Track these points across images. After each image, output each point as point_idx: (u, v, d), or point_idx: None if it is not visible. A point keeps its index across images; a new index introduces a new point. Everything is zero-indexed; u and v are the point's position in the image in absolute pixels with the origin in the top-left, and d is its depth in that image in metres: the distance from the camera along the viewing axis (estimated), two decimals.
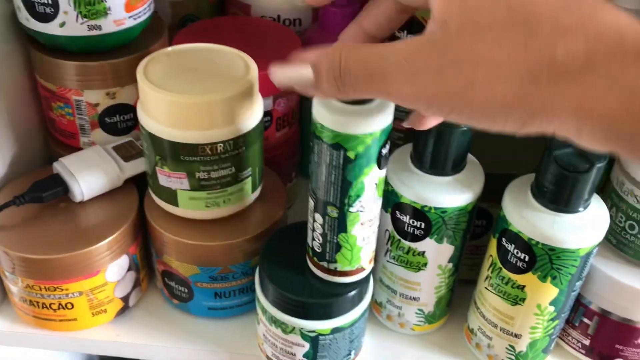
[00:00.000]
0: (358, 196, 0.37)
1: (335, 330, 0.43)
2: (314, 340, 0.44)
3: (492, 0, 0.26)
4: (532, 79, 0.25)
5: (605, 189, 0.48)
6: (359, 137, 0.34)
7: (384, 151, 0.36)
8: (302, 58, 0.30)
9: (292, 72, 0.31)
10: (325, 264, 0.42)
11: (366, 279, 0.44)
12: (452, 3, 0.26)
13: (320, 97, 0.34)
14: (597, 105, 0.24)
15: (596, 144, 0.25)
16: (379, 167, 0.37)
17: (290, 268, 0.44)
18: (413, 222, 0.44)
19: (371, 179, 0.37)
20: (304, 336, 0.44)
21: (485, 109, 0.26)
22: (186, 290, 0.50)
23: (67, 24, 0.46)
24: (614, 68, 0.24)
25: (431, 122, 0.37)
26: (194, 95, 0.41)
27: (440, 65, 0.26)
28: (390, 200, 0.45)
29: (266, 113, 0.54)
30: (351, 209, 0.38)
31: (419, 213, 0.44)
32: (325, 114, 0.34)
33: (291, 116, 0.57)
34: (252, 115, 0.45)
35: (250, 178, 0.47)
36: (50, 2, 0.45)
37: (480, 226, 0.51)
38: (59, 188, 0.48)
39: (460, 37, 0.26)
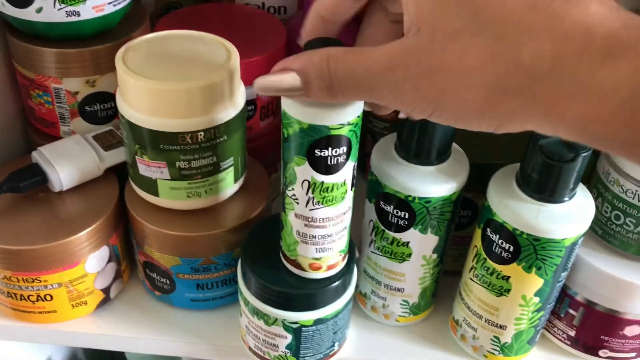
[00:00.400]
0: (291, 182, 0.36)
1: (318, 322, 0.43)
2: (297, 331, 0.43)
3: (460, 4, 0.25)
4: (500, 85, 0.25)
5: (591, 179, 0.47)
6: (290, 118, 0.34)
7: (319, 153, 0.34)
8: (286, 66, 0.30)
9: (278, 81, 0.31)
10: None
11: (349, 270, 0.43)
12: (423, 9, 0.27)
13: (309, 100, 0.32)
14: (566, 109, 0.24)
15: (576, 141, 0.26)
16: (313, 166, 0.35)
17: (272, 259, 0.43)
18: (397, 212, 0.44)
19: (303, 173, 0.35)
20: (286, 328, 0.43)
21: (459, 114, 0.27)
22: (168, 282, 0.49)
23: (45, 9, 0.45)
24: (581, 70, 0.23)
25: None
26: (173, 82, 0.40)
27: (415, 75, 0.27)
28: (374, 190, 0.45)
29: (250, 102, 0.53)
30: (287, 192, 0.37)
31: (403, 203, 0.43)
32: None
33: (275, 105, 0.56)
34: (234, 103, 0.44)
35: (232, 168, 0.46)
36: None
37: (465, 217, 0.51)
38: (37, 178, 0.47)
39: (431, 44, 0.26)
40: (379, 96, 0.29)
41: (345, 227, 0.39)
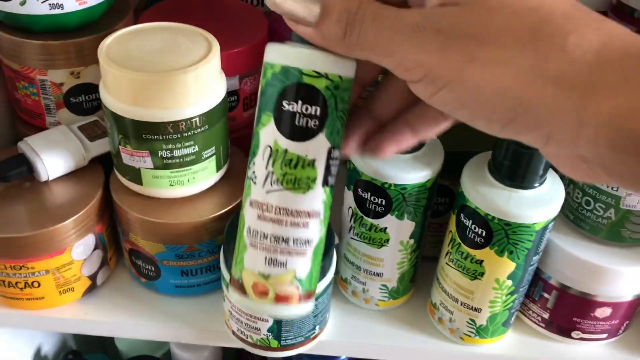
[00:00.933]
0: (254, 154, 0.31)
1: None
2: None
3: None
4: (537, 67, 0.24)
5: None
6: (266, 64, 0.30)
7: (287, 106, 0.29)
8: None
9: (297, 2, 0.28)
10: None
11: (328, 254, 0.44)
12: None
13: (312, 39, 0.29)
14: (604, 102, 0.23)
15: (597, 150, 0.24)
16: (277, 124, 0.29)
17: None
18: (374, 199, 0.45)
19: (266, 136, 0.30)
20: None
21: (477, 91, 0.25)
22: (153, 269, 0.50)
23: (28, 2, 0.46)
24: (627, 65, 0.23)
25: (392, 147, 0.33)
26: (154, 73, 0.42)
27: (447, 36, 0.25)
28: (352, 178, 0.46)
29: (232, 93, 0.54)
30: (248, 172, 0.32)
31: (380, 190, 0.44)
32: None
33: (257, 98, 0.57)
34: (215, 93, 0.45)
35: (214, 157, 0.47)
36: None
37: (443, 204, 0.52)
38: (23, 167, 0.48)
39: (470, 13, 0.25)
40: (395, 51, 0.26)
41: (307, 242, 0.31)
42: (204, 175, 0.48)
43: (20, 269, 0.47)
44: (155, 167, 0.46)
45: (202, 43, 0.45)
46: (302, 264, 0.31)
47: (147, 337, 0.52)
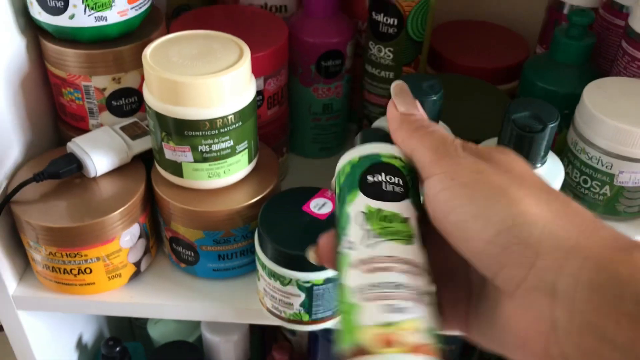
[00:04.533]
0: (343, 230, 0.31)
1: (328, 281, 0.49)
2: (309, 290, 0.49)
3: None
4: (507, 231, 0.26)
5: (563, 149, 0.54)
6: (342, 167, 0.33)
7: (372, 179, 0.31)
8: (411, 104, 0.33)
9: (403, 98, 0.33)
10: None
11: None
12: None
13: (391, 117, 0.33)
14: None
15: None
16: (366, 193, 0.30)
17: (285, 228, 0.49)
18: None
19: (356, 207, 0.30)
20: (300, 287, 0.49)
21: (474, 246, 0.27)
22: (192, 254, 0.55)
23: (76, 16, 0.51)
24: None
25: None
26: (195, 76, 0.47)
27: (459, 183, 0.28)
28: None
29: (258, 92, 0.59)
30: (340, 249, 0.31)
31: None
32: None
33: (281, 95, 0.62)
34: (246, 93, 0.50)
35: (246, 150, 0.52)
36: None
37: None
38: (73, 165, 0.53)
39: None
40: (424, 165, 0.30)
41: (425, 292, 0.28)
42: (238, 167, 0.53)
43: (75, 256, 0.52)
44: (195, 161, 0.51)
45: (234, 49, 0.50)
46: (424, 313, 0.27)
47: (188, 318, 0.57)
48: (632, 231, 0.52)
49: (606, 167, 0.49)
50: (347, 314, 0.28)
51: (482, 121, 0.55)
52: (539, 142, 0.45)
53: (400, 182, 0.30)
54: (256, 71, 0.56)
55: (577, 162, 0.51)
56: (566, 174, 0.51)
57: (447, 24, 0.75)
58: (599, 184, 0.50)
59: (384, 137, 0.33)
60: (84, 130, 0.58)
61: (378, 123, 0.33)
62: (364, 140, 0.33)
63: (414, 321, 0.26)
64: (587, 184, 0.51)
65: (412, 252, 0.28)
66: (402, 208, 0.30)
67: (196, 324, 0.82)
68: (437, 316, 0.28)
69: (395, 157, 0.31)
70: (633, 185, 0.49)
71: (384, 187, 0.30)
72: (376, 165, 0.31)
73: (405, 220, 0.29)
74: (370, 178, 0.31)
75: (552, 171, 0.48)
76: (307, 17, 0.63)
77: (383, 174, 0.31)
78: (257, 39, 0.58)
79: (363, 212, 0.30)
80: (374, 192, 0.30)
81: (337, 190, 0.32)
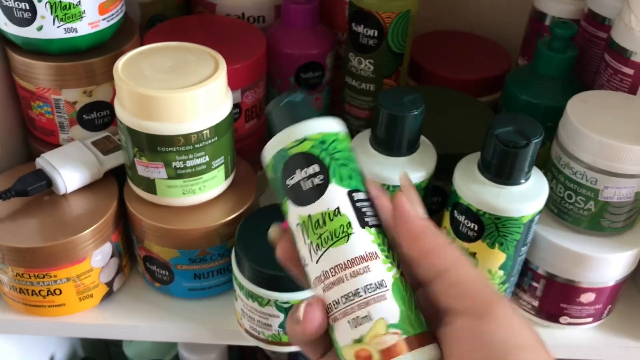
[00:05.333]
0: (300, 251, 0.30)
1: None
2: (288, 310, 0.48)
3: None
4: None
5: (546, 164, 0.53)
6: (266, 173, 0.32)
7: (290, 181, 0.30)
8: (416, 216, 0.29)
9: (411, 195, 0.30)
10: None
11: None
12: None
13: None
14: None
15: None
16: (292, 200, 0.30)
17: (263, 247, 0.47)
18: None
19: (293, 220, 0.30)
20: (278, 307, 0.48)
21: None
22: (167, 273, 0.53)
23: (45, 27, 0.49)
24: None
25: None
26: (168, 90, 0.45)
27: None
28: None
29: (235, 105, 0.57)
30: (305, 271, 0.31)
31: None
32: None
33: (259, 108, 0.61)
34: (222, 107, 0.48)
35: (223, 166, 0.51)
36: (27, 7, 0.48)
37: (436, 203, 0.56)
38: (42, 182, 0.51)
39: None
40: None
41: (379, 285, 0.28)
42: (214, 183, 0.51)
43: (44, 277, 0.50)
44: (169, 177, 0.49)
45: (210, 61, 0.48)
46: (388, 309, 0.27)
47: (163, 339, 0.55)
48: (616, 247, 0.51)
49: (591, 182, 0.48)
50: (330, 333, 0.29)
51: (464, 134, 0.54)
52: (523, 158, 0.44)
53: (317, 169, 0.29)
54: (233, 83, 0.55)
55: (561, 177, 0.50)
56: (550, 189, 0.50)
57: (428, 34, 0.74)
58: (584, 199, 0.49)
59: (279, 120, 0.31)
60: (55, 144, 0.56)
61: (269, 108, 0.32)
62: (272, 130, 0.31)
63: (380, 324, 0.27)
64: (571, 199, 0.50)
65: (355, 246, 0.28)
66: (329, 199, 0.29)
67: (173, 343, 0.80)
68: (404, 286, 0.28)
69: (299, 141, 0.29)
70: (618, 200, 0.48)
71: (303, 187, 0.29)
72: (288, 162, 0.30)
73: (336, 213, 0.29)
74: (289, 182, 0.30)
75: (536, 187, 0.47)
76: (286, 28, 0.62)
77: (297, 171, 0.29)
78: (235, 50, 0.57)
79: (298, 225, 0.29)
80: (297, 196, 0.29)
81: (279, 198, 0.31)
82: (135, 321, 0.54)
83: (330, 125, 0.30)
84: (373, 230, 0.29)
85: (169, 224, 0.51)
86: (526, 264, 0.53)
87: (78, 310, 0.53)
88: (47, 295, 0.51)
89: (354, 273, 0.28)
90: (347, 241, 0.28)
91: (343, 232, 0.28)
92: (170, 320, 0.54)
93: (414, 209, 0.29)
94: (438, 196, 0.56)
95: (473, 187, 0.46)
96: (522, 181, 0.46)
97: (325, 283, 0.29)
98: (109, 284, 0.54)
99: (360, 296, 0.28)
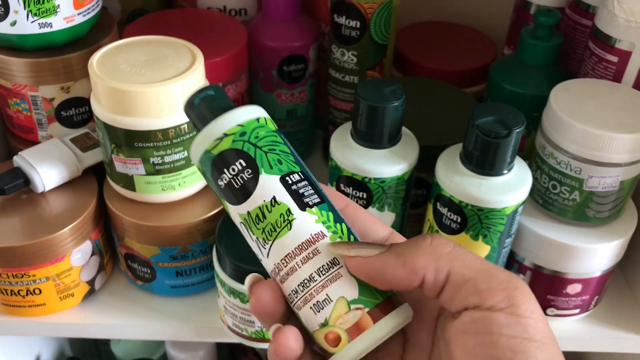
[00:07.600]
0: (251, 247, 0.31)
1: None
2: None
3: None
4: None
5: (530, 155, 0.52)
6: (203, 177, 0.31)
7: (221, 182, 0.29)
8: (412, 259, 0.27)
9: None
10: None
11: None
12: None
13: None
14: None
15: None
16: (229, 201, 0.29)
17: (244, 242, 0.47)
18: (356, 193, 0.48)
19: (236, 219, 0.30)
20: None
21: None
22: (148, 271, 0.53)
23: (18, 22, 0.48)
24: None
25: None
26: (143, 84, 0.44)
27: None
28: (334, 174, 0.49)
29: None
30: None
31: (360, 184, 0.47)
32: None
33: (242, 101, 0.60)
34: None
35: None
36: (0, 2, 0.47)
37: (421, 195, 0.55)
38: (20, 180, 0.50)
39: None
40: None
41: (332, 264, 0.28)
42: (194, 179, 0.50)
43: (22, 277, 0.49)
44: (148, 174, 0.48)
45: (187, 54, 0.48)
46: (345, 286, 0.28)
47: (146, 337, 0.55)
48: (602, 237, 0.50)
49: (575, 172, 0.47)
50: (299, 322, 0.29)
51: (447, 125, 0.53)
52: (504, 148, 0.44)
53: (243, 164, 0.28)
54: (214, 77, 0.54)
55: (545, 167, 0.49)
56: (535, 179, 0.50)
57: (413, 25, 0.73)
58: (568, 189, 0.48)
59: (198, 120, 0.30)
60: (34, 142, 0.56)
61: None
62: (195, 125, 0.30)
63: (341, 303, 0.27)
64: (556, 190, 0.49)
65: (299, 231, 0.28)
66: (262, 191, 0.28)
67: (161, 341, 0.79)
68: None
69: (219, 139, 0.28)
70: (602, 190, 0.48)
71: (235, 185, 0.28)
72: (213, 164, 0.29)
73: (273, 203, 0.28)
74: (220, 183, 0.29)
75: (519, 178, 0.46)
76: (268, 20, 0.61)
77: (225, 170, 0.29)
78: (215, 43, 0.56)
79: (241, 223, 0.29)
80: (232, 196, 0.29)
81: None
82: (117, 320, 0.53)
83: (248, 114, 0.29)
84: (314, 209, 0.28)
85: (148, 220, 0.50)
86: (512, 256, 0.53)
87: (59, 309, 0.53)
88: (27, 295, 0.50)
89: (304, 259, 0.28)
90: (290, 229, 0.28)
91: (284, 220, 0.28)
92: (153, 319, 0.54)
93: (366, 259, 0.27)
94: (422, 189, 0.55)
95: (455, 179, 0.46)
96: (505, 172, 0.45)
97: (280, 275, 0.28)
98: (91, 283, 0.53)
99: (316, 280, 0.28)
